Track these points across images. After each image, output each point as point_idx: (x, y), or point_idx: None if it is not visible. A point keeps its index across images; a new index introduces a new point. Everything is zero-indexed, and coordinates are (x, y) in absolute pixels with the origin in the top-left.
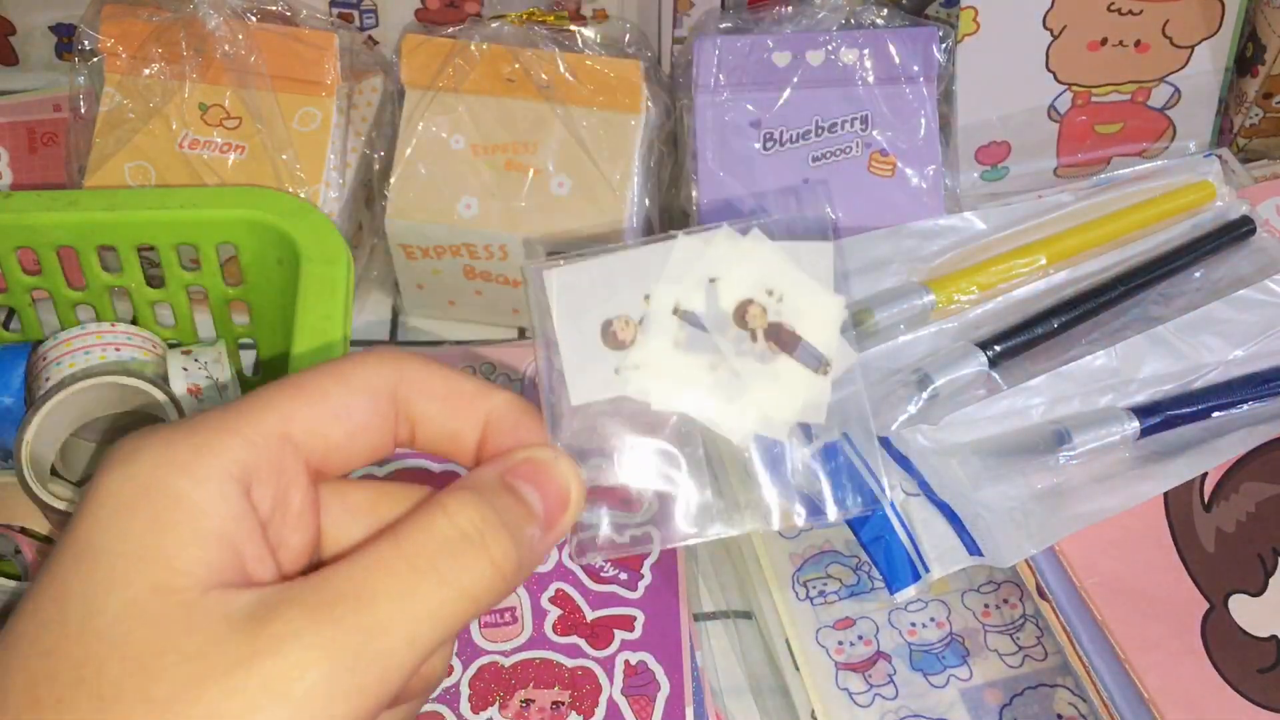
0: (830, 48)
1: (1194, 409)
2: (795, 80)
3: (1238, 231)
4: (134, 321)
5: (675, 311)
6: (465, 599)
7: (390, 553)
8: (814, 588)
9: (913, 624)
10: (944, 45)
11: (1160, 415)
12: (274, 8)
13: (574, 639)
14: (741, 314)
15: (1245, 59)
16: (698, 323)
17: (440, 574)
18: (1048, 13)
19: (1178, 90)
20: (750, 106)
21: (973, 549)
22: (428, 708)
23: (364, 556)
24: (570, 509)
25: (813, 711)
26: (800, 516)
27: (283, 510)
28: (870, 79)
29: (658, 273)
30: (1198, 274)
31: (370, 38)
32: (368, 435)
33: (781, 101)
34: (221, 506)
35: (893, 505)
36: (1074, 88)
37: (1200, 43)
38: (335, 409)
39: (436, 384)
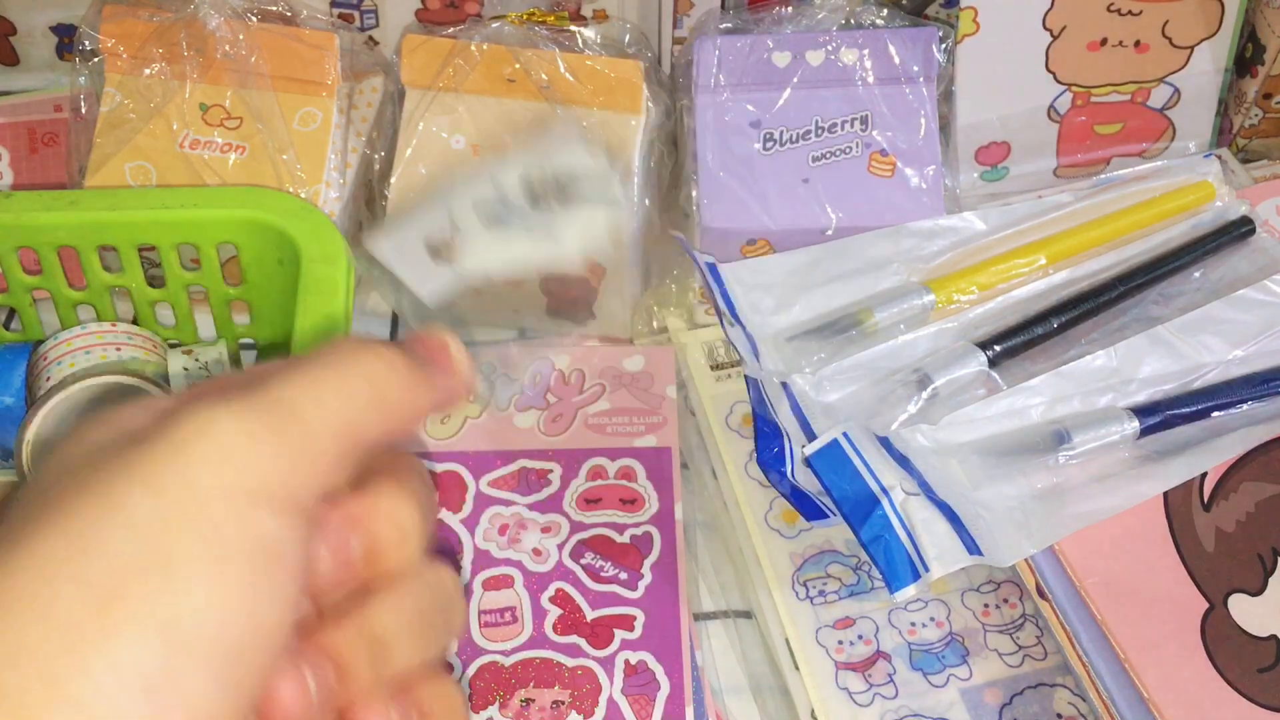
0: (830, 48)
1: (1193, 409)
2: (795, 80)
3: (1237, 231)
4: (135, 321)
5: (474, 208)
6: (368, 378)
7: (303, 360)
8: (814, 587)
9: (912, 623)
10: (944, 45)
11: (1160, 415)
12: (274, 8)
13: (574, 638)
14: (529, 187)
15: (1245, 59)
16: (496, 209)
17: (343, 359)
18: (1047, 13)
19: (1177, 91)
20: (750, 106)
21: (972, 549)
22: None
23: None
24: (451, 350)
25: (812, 711)
26: None
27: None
28: (870, 79)
29: (453, 188)
30: (1197, 274)
31: (370, 38)
32: None
33: (781, 102)
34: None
35: (893, 505)
36: (1074, 88)
37: (1200, 43)
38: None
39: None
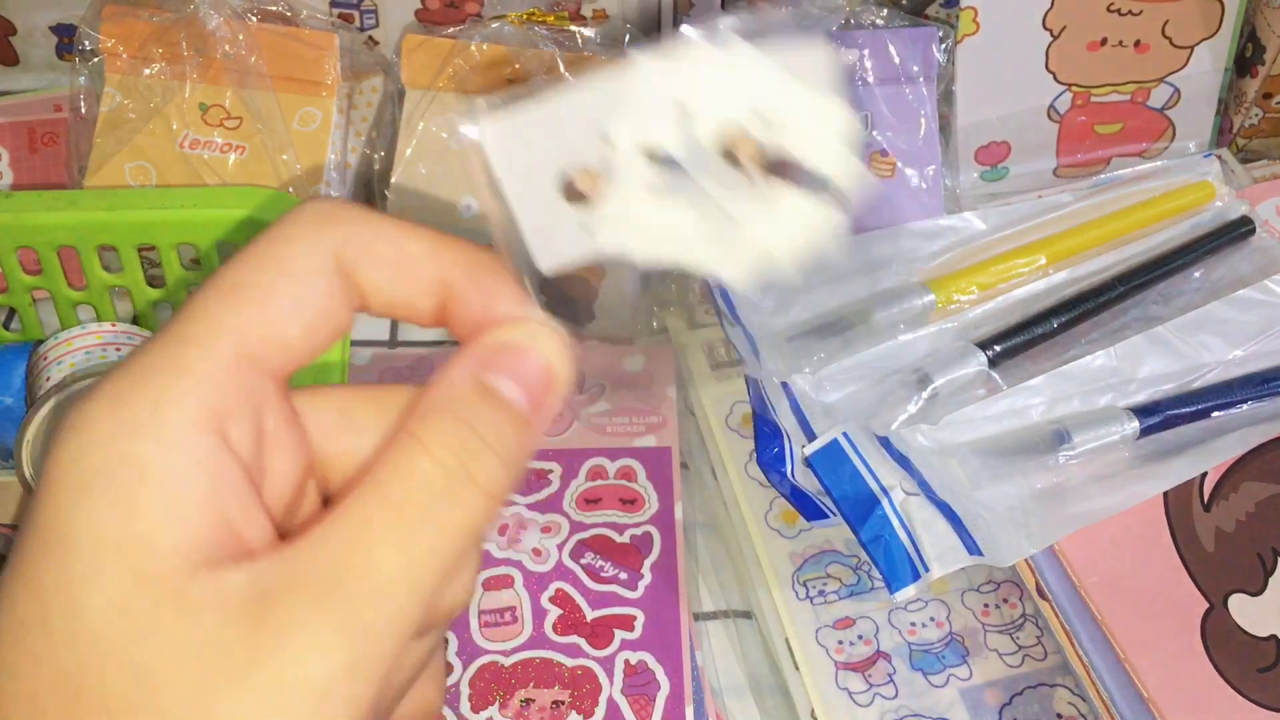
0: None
1: (1193, 409)
2: None
3: (1237, 231)
4: (135, 321)
5: (644, 152)
6: (462, 534)
7: (376, 504)
8: (814, 587)
9: (912, 623)
10: (944, 45)
11: (1160, 415)
12: (274, 8)
13: (574, 639)
14: (728, 146)
15: (1245, 59)
16: (674, 163)
17: (435, 519)
18: (1047, 13)
19: (1177, 90)
20: None
21: (972, 548)
22: None
23: (350, 517)
24: (556, 389)
25: (812, 711)
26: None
27: (262, 439)
28: (870, 79)
29: (617, 107)
30: (1197, 274)
31: (370, 38)
32: (327, 323)
33: None
34: (196, 472)
35: (893, 505)
36: (1074, 88)
37: (1200, 43)
38: (286, 307)
39: (382, 247)
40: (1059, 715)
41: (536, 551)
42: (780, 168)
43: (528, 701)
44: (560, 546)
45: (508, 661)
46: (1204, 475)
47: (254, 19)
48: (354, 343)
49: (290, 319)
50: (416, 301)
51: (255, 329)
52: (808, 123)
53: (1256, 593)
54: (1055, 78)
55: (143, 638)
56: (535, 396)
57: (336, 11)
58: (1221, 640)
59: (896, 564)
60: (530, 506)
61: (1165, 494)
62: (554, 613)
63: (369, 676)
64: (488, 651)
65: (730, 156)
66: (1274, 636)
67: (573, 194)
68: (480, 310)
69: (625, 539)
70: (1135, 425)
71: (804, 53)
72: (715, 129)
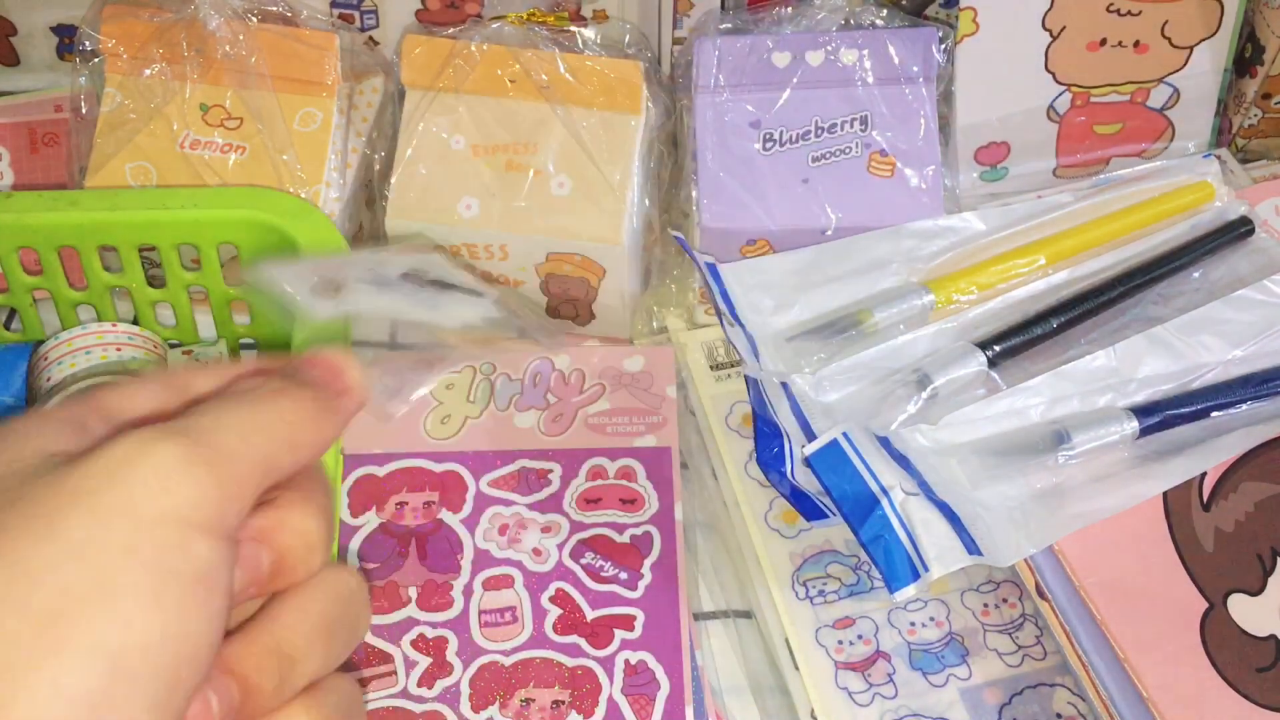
0: (830, 48)
1: (1193, 409)
2: (795, 81)
3: (1236, 232)
4: (135, 322)
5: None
6: (281, 416)
7: (210, 401)
8: (814, 587)
9: (912, 623)
10: (943, 46)
11: (1159, 415)
12: (275, 8)
13: (574, 638)
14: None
15: (1244, 60)
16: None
17: (254, 400)
18: (1047, 13)
19: (1177, 91)
20: (750, 107)
21: (972, 548)
22: (428, 707)
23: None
24: (347, 371)
25: (812, 711)
26: None
27: None
28: (870, 79)
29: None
30: (1196, 274)
31: (371, 38)
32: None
33: (781, 102)
34: None
35: (892, 505)
36: (1073, 88)
37: (1199, 43)
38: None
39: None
40: (1058, 715)
41: (536, 551)
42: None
43: (528, 701)
44: (560, 546)
45: (508, 661)
46: (1203, 475)
47: (254, 19)
48: (354, 343)
49: None
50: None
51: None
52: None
53: (1256, 592)
54: (1055, 78)
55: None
56: (329, 368)
57: (337, 12)
58: (1221, 640)
59: (896, 564)
60: (530, 506)
61: (1165, 494)
62: (554, 612)
63: (209, 473)
64: (488, 651)
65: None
66: (1273, 636)
67: (325, 293)
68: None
69: (625, 539)
70: (1135, 425)
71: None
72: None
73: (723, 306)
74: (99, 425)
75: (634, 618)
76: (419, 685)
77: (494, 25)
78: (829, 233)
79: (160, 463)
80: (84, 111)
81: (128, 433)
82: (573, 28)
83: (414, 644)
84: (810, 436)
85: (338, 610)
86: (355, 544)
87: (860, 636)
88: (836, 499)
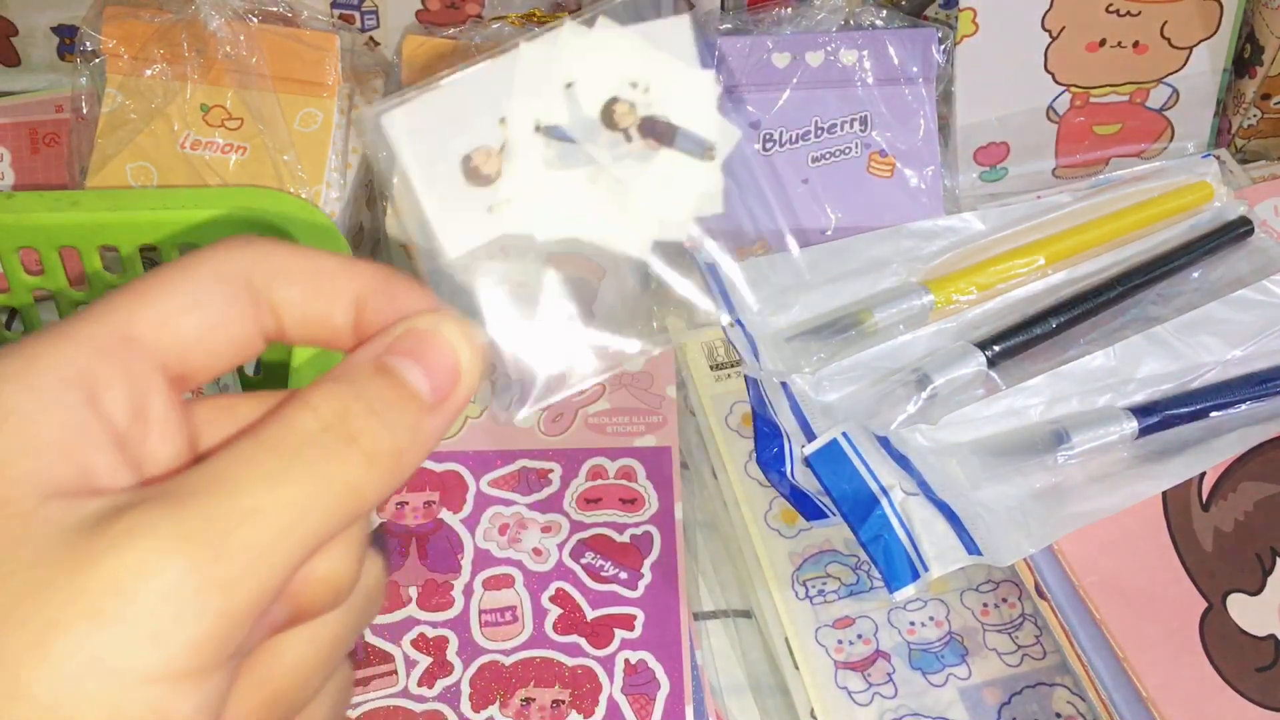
0: (829, 49)
1: (1192, 409)
2: (794, 81)
3: (1236, 232)
4: None
5: (537, 129)
6: (336, 489)
7: (250, 445)
8: (813, 587)
9: (912, 623)
10: (943, 46)
11: (1158, 415)
12: (275, 9)
13: (574, 638)
14: (609, 115)
15: (1243, 60)
16: (564, 135)
17: (308, 463)
18: (1046, 14)
19: (1176, 91)
20: (750, 107)
21: (971, 548)
22: (429, 706)
23: (222, 453)
24: (463, 378)
25: (812, 710)
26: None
27: (143, 421)
28: (869, 80)
29: (508, 90)
30: (1196, 274)
31: (371, 39)
32: (227, 328)
33: (781, 102)
34: (57, 415)
35: (892, 504)
36: (1073, 89)
37: (1198, 44)
38: (183, 302)
39: (295, 264)
40: (1058, 714)
41: (537, 551)
42: (657, 131)
43: (528, 701)
44: (560, 546)
45: (508, 661)
46: (1203, 475)
47: (255, 20)
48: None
49: (186, 314)
50: (332, 316)
51: (147, 315)
52: (676, 89)
53: (1255, 592)
54: (1054, 78)
55: None
56: (439, 384)
57: (337, 12)
58: (1220, 640)
59: (896, 564)
60: (530, 506)
61: (1164, 494)
62: (554, 612)
63: (210, 595)
64: (488, 651)
65: (613, 124)
66: (1272, 636)
67: (475, 176)
68: (393, 317)
69: (625, 539)
70: (1134, 425)
71: (664, 24)
72: (597, 99)
73: (723, 306)
74: (118, 394)
75: (634, 617)
76: (419, 685)
77: (494, 25)
78: (829, 233)
79: (168, 590)
80: (85, 112)
81: (138, 530)
82: None
83: (414, 643)
84: (810, 436)
85: (351, 626)
86: None
87: (860, 636)
88: (836, 499)
